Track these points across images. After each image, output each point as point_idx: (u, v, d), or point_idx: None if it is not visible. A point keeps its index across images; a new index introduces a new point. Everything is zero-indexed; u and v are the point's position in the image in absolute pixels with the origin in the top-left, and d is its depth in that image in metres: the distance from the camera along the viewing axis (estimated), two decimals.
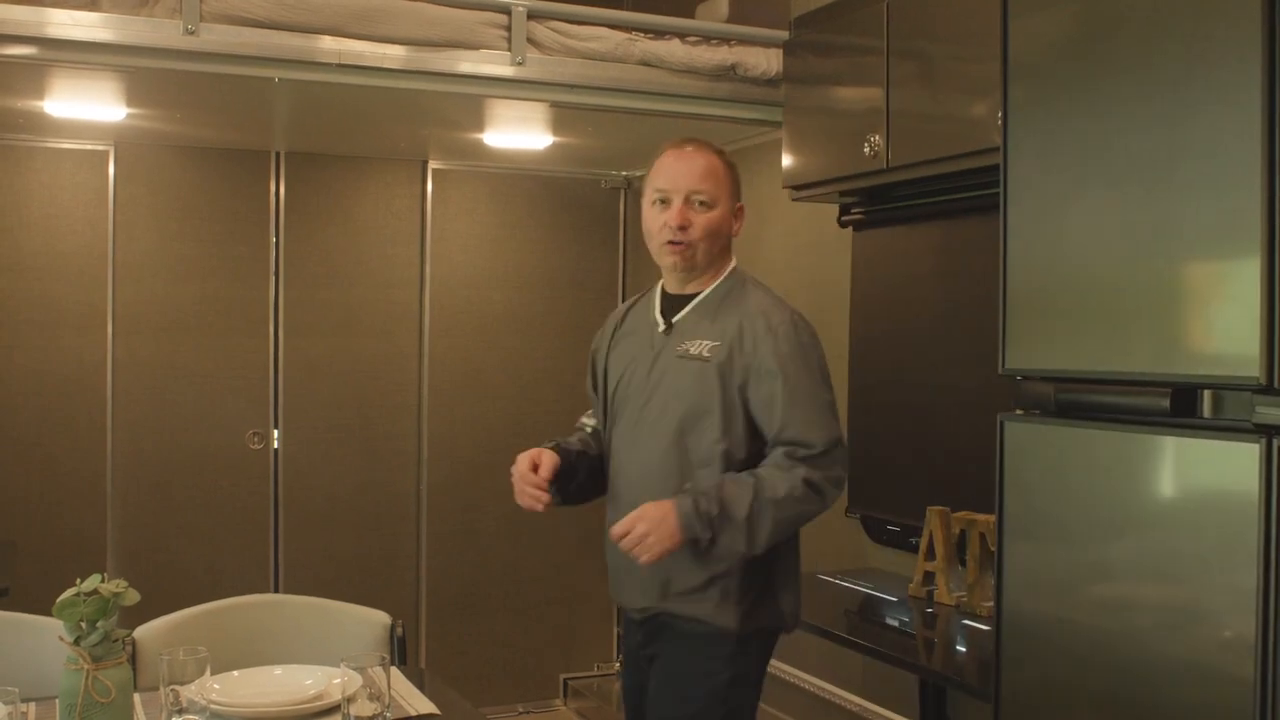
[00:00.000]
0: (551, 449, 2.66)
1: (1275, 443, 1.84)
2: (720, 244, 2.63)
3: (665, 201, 2.61)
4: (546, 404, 5.52)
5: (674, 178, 2.60)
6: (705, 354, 2.53)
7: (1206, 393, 1.98)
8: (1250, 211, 1.87)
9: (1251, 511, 1.86)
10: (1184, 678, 2.01)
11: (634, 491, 2.57)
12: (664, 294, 2.70)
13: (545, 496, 2.58)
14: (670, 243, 2.59)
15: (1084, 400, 2.18)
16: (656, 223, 2.62)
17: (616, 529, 2.45)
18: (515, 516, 5.44)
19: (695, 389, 2.53)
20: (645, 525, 2.40)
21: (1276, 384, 1.84)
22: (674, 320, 2.64)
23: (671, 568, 2.53)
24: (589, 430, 2.87)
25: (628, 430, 2.65)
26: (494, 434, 5.42)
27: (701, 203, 2.58)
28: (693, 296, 2.64)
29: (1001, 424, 2.33)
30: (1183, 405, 1.99)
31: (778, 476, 2.43)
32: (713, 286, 2.64)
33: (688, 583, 2.54)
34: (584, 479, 2.75)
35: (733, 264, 2.68)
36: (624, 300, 5.58)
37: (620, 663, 2.89)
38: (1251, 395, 1.89)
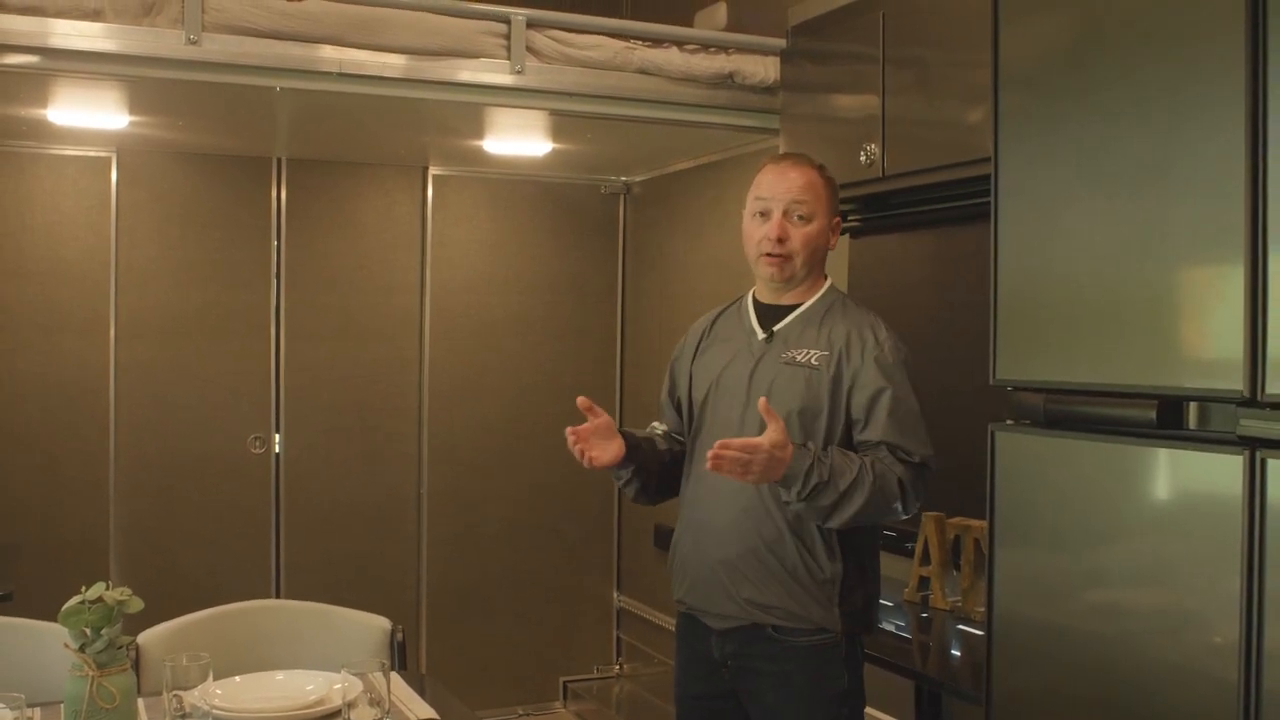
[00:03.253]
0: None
1: (1259, 455, 1.87)
2: (817, 257, 2.69)
3: (765, 214, 2.67)
4: (546, 408, 5.53)
5: (775, 190, 2.66)
6: (815, 362, 2.59)
7: (1192, 405, 2.01)
8: (1234, 226, 1.90)
9: (1236, 521, 1.89)
10: (1171, 681, 2.04)
11: (730, 491, 2.58)
12: (757, 304, 2.75)
13: (582, 435, 2.62)
14: (768, 255, 2.65)
15: (1073, 411, 2.21)
16: (756, 234, 2.68)
17: (741, 444, 2.39)
18: (515, 520, 5.54)
19: (806, 394, 2.58)
20: (766, 457, 2.38)
21: (1260, 397, 1.87)
22: (775, 329, 2.68)
23: (761, 580, 2.57)
24: (660, 433, 2.88)
25: (725, 432, 2.58)
26: (494, 438, 5.46)
27: (800, 216, 2.65)
28: (790, 307, 2.70)
29: (992, 434, 2.37)
30: (1169, 417, 2.02)
31: (880, 465, 2.48)
32: (816, 298, 2.70)
33: (778, 596, 2.56)
34: (654, 468, 2.78)
35: (830, 281, 2.74)
36: (621, 305, 5.66)
37: (678, 670, 2.87)
38: (1236, 408, 1.93)
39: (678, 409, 2.87)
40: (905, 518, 2.58)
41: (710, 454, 2.38)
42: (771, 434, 2.40)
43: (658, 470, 2.80)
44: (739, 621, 2.61)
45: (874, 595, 2.67)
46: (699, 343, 2.83)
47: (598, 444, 2.64)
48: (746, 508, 2.57)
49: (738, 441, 2.41)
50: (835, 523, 2.48)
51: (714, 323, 2.84)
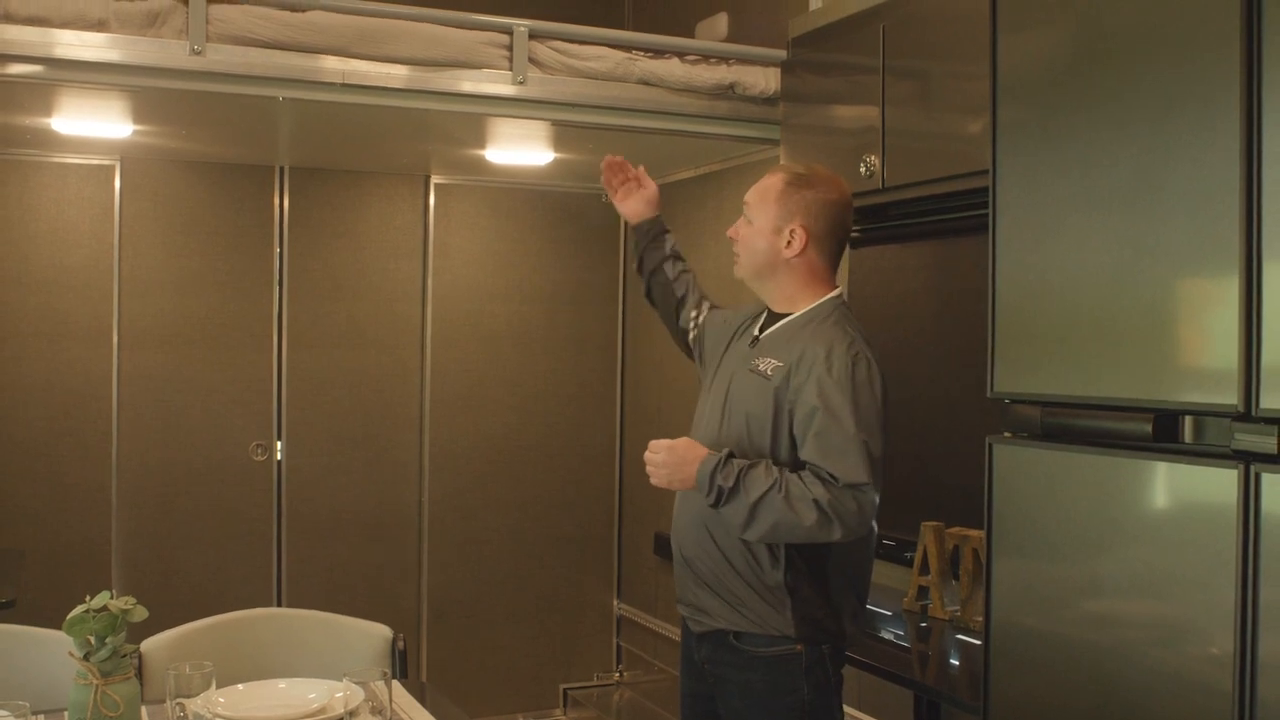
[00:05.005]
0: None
1: (1253, 469, 1.89)
2: (762, 259, 2.70)
3: None
4: (547, 416, 5.56)
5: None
6: (769, 373, 2.60)
7: (1188, 419, 2.03)
8: (1229, 240, 1.92)
9: (1230, 534, 1.91)
10: (1168, 691, 2.05)
11: (694, 496, 2.61)
12: (769, 310, 2.79)
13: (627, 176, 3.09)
14: None
15: (1069, 425, 2.22)
16: None
17: (654, 444, 2.58)
18: (516, 528, 5.56)
19: (757, 402, 2.61)
20: (665, 457, 2.55)
21: (1254, 412, 1.89)
22: (761, 335, 2.72)
23: (717, 580, 2.63)
24: (689, 280, 3.07)
25: (704, 430, 2.72)
26: (495, 446, 5.47)
27: (746, 217, 2.73)
28: (785, 316, 2.72)
29: (990, 446, 2.38)
30: (1165, 431, 2.04)
31: (796, 483, 2.47)
32: (807, 309, 2.69)
33: (732, 597, 2.60)
34: (657, 252, 3.07)
35: (833, 293, 2.72)
36: (622, 314, 5.67)
37: (681, 672, 2.92)
38: (1231, 422, 1.94)
39: (695, 339, 2.99)
40: (846, 540, 2.51)
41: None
42: (683, 438, 2.59)
43: (652, 271, 3.08)
44: (709, 626, 2.66)
45: (841, 608, 2.64)
46: (732, 336, 2.84)
47: (631, 192, 3.09)
48: (707, 509, 2.59)
49: (651, 442, 2.58)
50: (753, 535, 2.50)
51: (748, 327, 2.82)
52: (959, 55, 3.15)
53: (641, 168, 3.11)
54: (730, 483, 2.47)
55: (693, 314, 3.00)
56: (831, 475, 2.47)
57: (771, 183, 2.71)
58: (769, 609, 2.58)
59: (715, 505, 2.50)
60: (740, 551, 2.59)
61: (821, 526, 2.45)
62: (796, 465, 2.54)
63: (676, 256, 3.08)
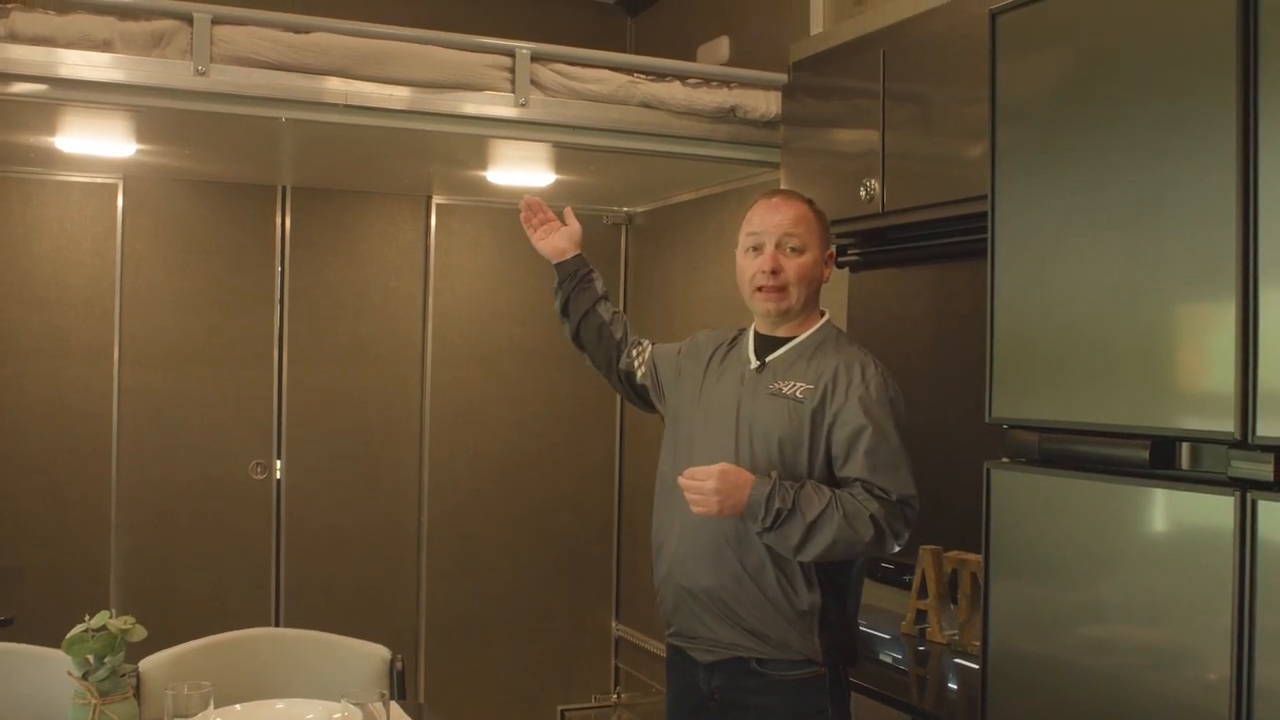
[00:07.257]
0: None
1: (1249, 496, 1.89)
2: (812, 288, 2.72)
3: (758, 248, 2.70)
4: (546, 436, 5.57)
5: (766, 224, 2.70)
6: (799, 395, 2.61)
7: (1184, 445, 2.04)
8: (1226, 268, 1.93)
9: (1227, 560, 1.92)
10: (1164, 715, 2.06)
11: (709, 523, 2.60)
12: (756, 335, 2.78)
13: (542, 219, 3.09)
14: (763, 289, 2.68)
15: (1067, 450, 2.23)
16: (749, 269, 2.71)
17: (695, 472, 2.51)
18: (514, 548, 5.56)
19: (788, 425, 2.60)
20: (717, 484, 2.48)
21: (1250, 439, 1.90)
22: (767, 360, 2.71)
23: (743, 609, 2.60)
24: (620, 321, 3.08)
25: (718, 457, 2.60)
26: (494, 464, 5.48)
27: (793, 248, 2.68)
28: (784, 339, 2.72)
29: (988, 472, 2.39)
30: (1161, 457, 2.05)
31: (850, 501, 2.51)
32: (810, 332, 2.72)
33: (759, 625, 2.59)
34: (587, 293, 3.07)
35: (826, 315, 2.77)
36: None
37: (669, 702, 2.90)
38: (1227, 449, 1.95)
39: (644, 376, 2.96)
40: (892, 553, 2.59)
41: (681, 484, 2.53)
42: (723, 464, 2.51)
43: (585, 314, 3.05)
44: (723, 654, 2.64)
45: (854, 626, 2.69)
46: (706, 367, 2.83)
47: (552, 230, 3.08)
48: (730, 536, 2.60)
49: (690, 470, 2.52)
50: (807, 555, 2.50)
51: (727, 354, 2.82)
52: (959, 80, 3.17)
53: (567, 208, 3.10)
54: (788, 504, 2.47)
55: (634, 353, 3.00)
56: (884, 490, 2.53)
57: (804, 211, 2.72)
58: (796, 634, 2.58)
59: (769, 528, 2.49)
60: (774, 578, 2.58)
61: (877, 541, 2.50)
62: (831, 483, 2.57)
63: (606, 298, 3.08)
